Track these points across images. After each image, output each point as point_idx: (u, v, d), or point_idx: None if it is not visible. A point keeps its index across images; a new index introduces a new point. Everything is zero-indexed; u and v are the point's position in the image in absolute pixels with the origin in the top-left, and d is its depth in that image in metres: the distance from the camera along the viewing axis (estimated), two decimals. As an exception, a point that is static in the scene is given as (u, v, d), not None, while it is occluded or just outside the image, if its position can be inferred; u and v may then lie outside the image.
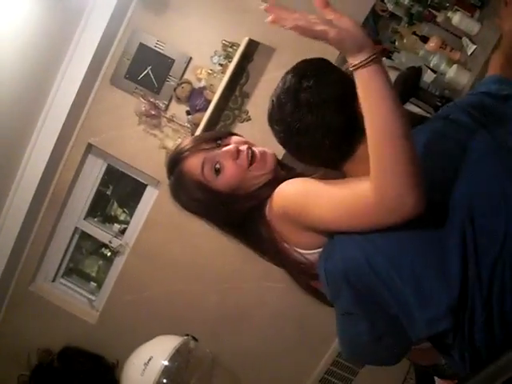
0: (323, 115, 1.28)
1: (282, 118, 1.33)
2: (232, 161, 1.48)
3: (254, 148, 1.51)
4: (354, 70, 1.15)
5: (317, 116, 1.28)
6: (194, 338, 3.53)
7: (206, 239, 3.71)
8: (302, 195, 1.33)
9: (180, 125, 3.63)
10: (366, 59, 1.13)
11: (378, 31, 3.22)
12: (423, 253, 1.21)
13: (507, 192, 1.19)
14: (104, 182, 4.11)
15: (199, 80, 3.58)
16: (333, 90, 1.30)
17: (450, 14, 2.81)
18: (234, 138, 1.56)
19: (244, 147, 1.50)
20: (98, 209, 4.24)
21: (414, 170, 1.13)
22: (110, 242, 4.03)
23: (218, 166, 1.48)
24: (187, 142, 1.58)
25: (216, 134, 1.67)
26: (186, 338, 3.47)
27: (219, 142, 1.54)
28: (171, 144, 3.59)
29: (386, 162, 1.14)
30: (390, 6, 3.05)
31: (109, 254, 4.26)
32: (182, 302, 3.90)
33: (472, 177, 1.23)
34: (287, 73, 1.35)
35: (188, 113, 3.62)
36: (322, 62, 1.37)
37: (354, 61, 1.15)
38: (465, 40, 2.75)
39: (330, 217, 1.26)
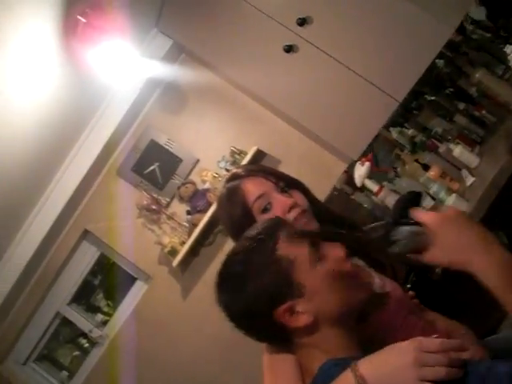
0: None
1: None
2: (281, 212, 1.52)
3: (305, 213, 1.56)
4: None
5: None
6: None
7: (188, 343, 3.63)
8: None
9: (179, 223, 3.66)
10: None
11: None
12: None
13: None
14: (93, 271, 4.08)
15: (204, 182, 3.65)
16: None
17: (451, 146, 2.94)
18: (299, 196, 1.59)
19: (298, 209, 1.54)
20: (83, 297, 4.17)
21: None
22: (91, 331, 3.94)
23: (268, 206, 1.54)
24: (258, 166, 1.60)
25: (290, 180, 1.66)
26: None
27: (286, 189, 1.59)
28: (167, 241, 3.60)
29: None
30: (395, 135, 3.19)
31: (86, 344, 4.14)
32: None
33: None
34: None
35: (188, 212, 3.65)
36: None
37: None
38: (464, 172, 2.86)
39: None
